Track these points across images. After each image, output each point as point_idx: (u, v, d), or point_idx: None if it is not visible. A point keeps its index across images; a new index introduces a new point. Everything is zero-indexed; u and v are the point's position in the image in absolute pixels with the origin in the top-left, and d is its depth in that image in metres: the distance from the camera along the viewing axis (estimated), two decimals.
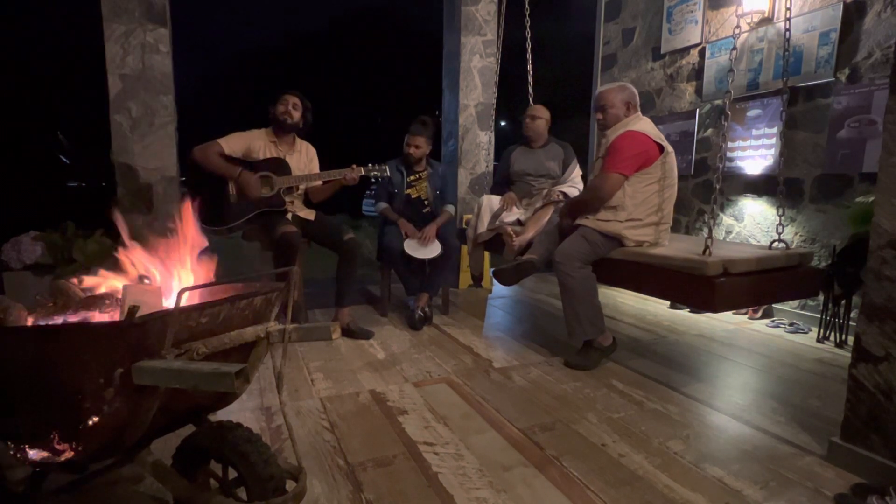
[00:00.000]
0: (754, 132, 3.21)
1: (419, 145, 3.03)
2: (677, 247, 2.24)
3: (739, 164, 3.30)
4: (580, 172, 3.06)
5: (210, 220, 2.53)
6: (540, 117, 3.06)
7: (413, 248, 2.89)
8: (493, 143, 3.87)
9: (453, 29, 4.08)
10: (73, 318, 1.16)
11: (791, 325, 2.96)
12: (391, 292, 3.26)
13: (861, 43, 2.68)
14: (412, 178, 3.12)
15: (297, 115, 2.68)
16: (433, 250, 2.90)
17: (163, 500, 1.26)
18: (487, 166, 4.06)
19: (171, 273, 1.23)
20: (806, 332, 2.85)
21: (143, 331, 0.93)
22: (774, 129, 3.07)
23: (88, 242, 2.73)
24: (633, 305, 3.50)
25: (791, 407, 1.90)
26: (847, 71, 2.74)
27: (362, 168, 2.69)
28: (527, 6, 3.32)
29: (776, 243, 2.24)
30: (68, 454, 0.99)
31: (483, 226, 2.90)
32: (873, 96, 2.61)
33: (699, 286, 1.92)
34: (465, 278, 3.97)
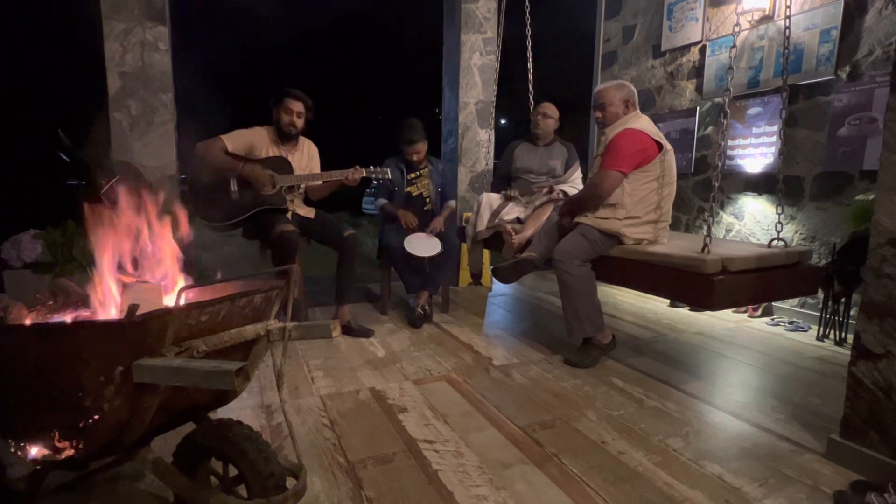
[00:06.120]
0: (754, 130, 3.21)
1: (419, 150, 3.04)
2: (676, 245, 2.23)
3: (739, 161, 3.30)
4: (581, 174, 3.07)
5: (210, 217, 2.54)
6: (551, 116, 3.06)
7: (413, 246, 2.88)
8: (493, 141, 3.87)
9: (453, 26, 4.07)
10: (73, 317, 1.17)
11: (791, 322, 2.96)
12: (391, 290, 3.26)
13: (862, 40, 2.67)
14: (413, 175, 3.12)
15: (300, 122, 2.67)
16: (433, 248, 2.90)
17: (163, 497, 1.26)
18: (487, 164, 4.05)
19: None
20: (805, 330, 2.85)
21: (143, 329, 0.93)
22: (775, 127, 3.07)
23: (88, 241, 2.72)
24: (633, 303, 3.50)
25: (790, 404, 1.90)
26: (848, 68, 2.73)
27: (363, 170, 2.68)
28: (527, 3, 3.31)
29: (776, 241, 2.24)
30: (69, 452, 0.99)
31: (482, 223, 2.90)
32: (874, 94, 2.60)
33: (698, 284, 1.92)
34: (464, 276, 3.97)
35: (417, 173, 3.12)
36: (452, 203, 3.23)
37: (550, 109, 3.08)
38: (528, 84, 3.43)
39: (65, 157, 3.17)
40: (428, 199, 3.17)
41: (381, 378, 2.13)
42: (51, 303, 1.21)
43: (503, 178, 3.19)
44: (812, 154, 2.93)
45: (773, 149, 3.10)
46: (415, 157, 3.04)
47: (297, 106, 2.63)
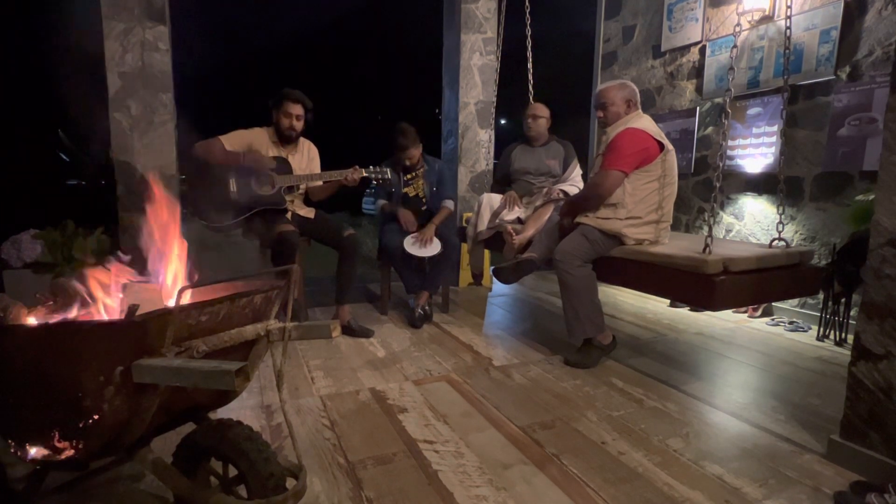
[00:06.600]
0: (755, 130, 3.21)
1: (412, 156, 3.04)
2: (677, 245, 2.23)
3: (740, 162, 3.29)
4: (580, 171, 3.06)
5: (210, 217, 2.54)
6: (541, 116, 3.06)
7: (413, 247, 2.89)
8: (493, 141, 3.87)
9: (453, 26, 4.07)
10: (73, 317, 1.16)
11: (791, 323, 2.96)
12: (391, 290, 3.26)
13: (862, 41, 2.67)
14: (409, 176, 3.12)
15: (300, 125, 2.66)
16: (433, 248, 2.91)
17: (163, 497, 1.26)
18: (487, 164, 4.05)
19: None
20: (806, 331, 2.85)
21: (143, 329, 0.93)
22: (775, 128, 3.07)
23: (88, 241, 2.72)
24: (633, 304, 3.50)
25: (790, 405, 1.90)
26: (848, 69, 2.73)
27: (363, 170, 2.68)
28: (527, 4, 3.31)
29: (776, 242, 2.24)
30: (69, 452, 0.99)
31: (483, 224, 2.91)
32: (874, 94, 2.60)
33: (699, 284, 1.92)
34: (465, 276, 3.97)
35: (414, 174, 3.13)
36: (450, 204, 3.20)
37: (539, 109, 3.07)
38: (528, 84, 3.43)
39: (65, 157, 3.16)
40: (424, 199, 3.17)
41: (381, 378, 2.13)
42: (51, 303, 1.21)
43: (502, 181, 3.19)
44: (812, 154, 2.93)
45: (773, 149, 3.10)
46: (408, 163, 3.05)
47: (297, 109, 2.62)
